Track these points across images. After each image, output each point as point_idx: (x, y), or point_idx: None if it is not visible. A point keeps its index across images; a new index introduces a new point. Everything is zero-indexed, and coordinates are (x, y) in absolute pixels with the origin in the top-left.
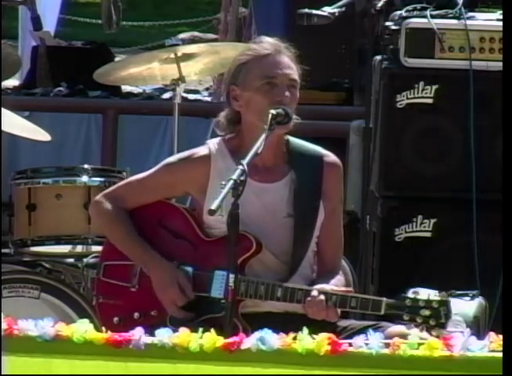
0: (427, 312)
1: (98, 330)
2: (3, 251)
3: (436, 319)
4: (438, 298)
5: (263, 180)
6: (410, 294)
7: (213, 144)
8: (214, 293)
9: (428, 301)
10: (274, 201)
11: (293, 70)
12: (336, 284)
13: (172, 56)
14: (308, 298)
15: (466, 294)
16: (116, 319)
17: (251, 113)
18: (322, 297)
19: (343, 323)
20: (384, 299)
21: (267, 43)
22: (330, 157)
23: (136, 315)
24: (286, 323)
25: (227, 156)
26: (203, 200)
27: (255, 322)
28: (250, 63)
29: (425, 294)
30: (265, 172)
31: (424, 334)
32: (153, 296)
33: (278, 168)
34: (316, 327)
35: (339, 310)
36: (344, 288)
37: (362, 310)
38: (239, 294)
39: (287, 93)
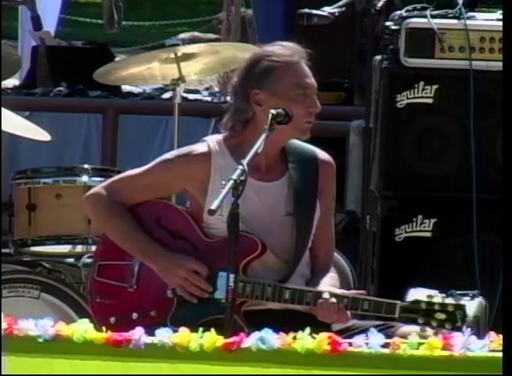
0: (442, 316)
1: (98, 330)
2: (3, 251)
3: (452, 322)
4: (453, 302)
5: (263, 179)
6: (412, 294)
7: (212, 142)
8: (217, 294)
9: (444, 305)
10: (274, 200)
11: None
12: (333, 285)
13: (172, 55)
14: (320, 301)
15: (467, 294)
16: (113, 319)
17: None
18: (333, 299)
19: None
20: (399, 302)
21: (292, 49)
22: (324, 155)
23: (135, 315)
24: (286, 321)
25: (226, 154)
26: (203, 198)
27: (256, 319)
28: (281, 70)
29: (439, 297)
30: (265, 171)
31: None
32: (152, 296)
33: (276, 167)
34: (317, 326)
35: (349, 313)
36: (355, 291)
37: (375, 313)
38: (244, 296)
39: (318, 103)
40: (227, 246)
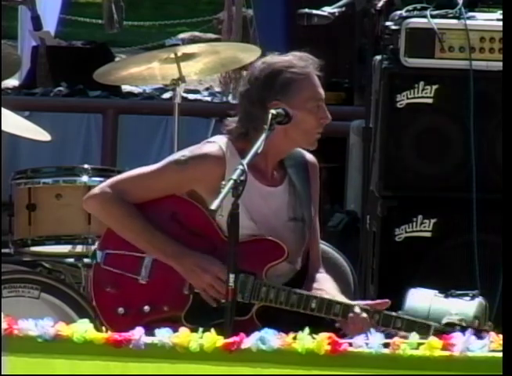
0: None
1: (98, 330)
2: (3, 251)
3: None
4: (487, 328)
5: (269, 184)
6: (412, 294)
7: (223, 144)
8: (238, 297)
9: (478, 331)
10: (278, 205)
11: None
12: (336, 288)
13: (172, 55)
14: (351, 315)
15: (467, 294)
16: (120, 309)
17: (296, 131)
18: (364, 314)
19: None
20: (433, 324)
21: (307, 60)
22: (310, 156)
23: (146, 308)
24: (291, 316)
25: (237, 156)
26: (212, 200)
27: (260, 314)
28: (300, 82)
29: (470, 319)
30: (271, 176)
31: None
32: (166, 291)
33: (278, 171)
34: (319, 325)
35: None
36: (380, 301)
37: (407, 332)
38: (267, 301)
39: (328, 115)
40: (250, 248)
